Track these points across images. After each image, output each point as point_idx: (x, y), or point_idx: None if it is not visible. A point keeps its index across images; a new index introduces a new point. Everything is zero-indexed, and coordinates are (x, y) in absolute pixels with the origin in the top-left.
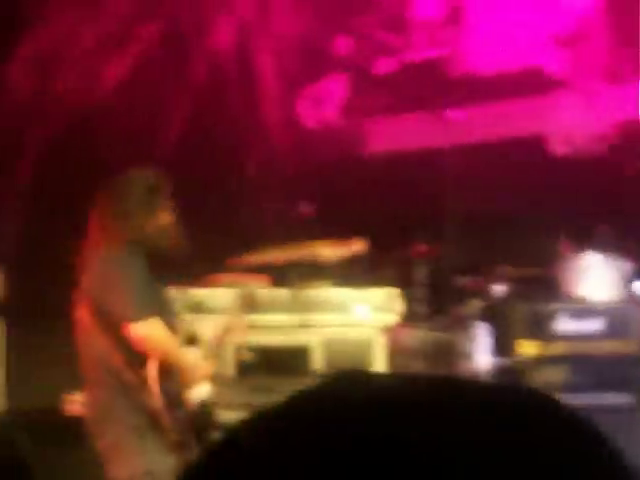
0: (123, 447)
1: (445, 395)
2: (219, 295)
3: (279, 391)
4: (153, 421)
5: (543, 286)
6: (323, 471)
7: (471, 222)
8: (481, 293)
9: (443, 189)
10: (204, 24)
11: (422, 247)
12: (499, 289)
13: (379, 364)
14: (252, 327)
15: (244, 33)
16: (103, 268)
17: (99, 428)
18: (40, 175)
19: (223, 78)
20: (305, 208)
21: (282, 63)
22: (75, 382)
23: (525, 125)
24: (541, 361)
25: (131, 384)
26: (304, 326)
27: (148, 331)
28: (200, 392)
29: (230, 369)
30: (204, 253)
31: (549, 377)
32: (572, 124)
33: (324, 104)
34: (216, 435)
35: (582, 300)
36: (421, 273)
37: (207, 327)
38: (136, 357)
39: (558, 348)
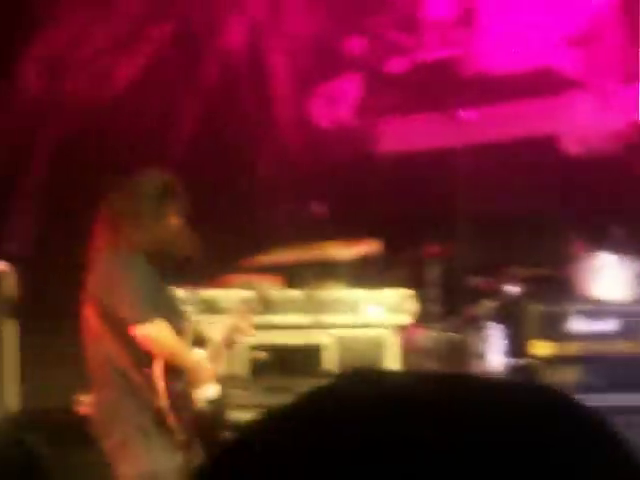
0: (130, 447)
1: (458, 394)
2: (232, 296)
3: (292, 391)
4: (159, 421)
5: (556, 286)
6: (335, 471)
7: (484, 222)
8: (494, 293)
9: (456, 189)
10: (216, 24)
11: (435, 247)
12: (512, 289)
13: (392, 364)
14: (265, 327)
15: (256, 33)
16: (108, 269)
17: (106, 428)
18: (52, 175)
19: (235, 78)
20: (318, 208)
21: (294, 63)
22: (88, 382)
23: (538, 125)
24: (554, 361)
25: (137, 384)
26: (317, 326)
27: (153, 333)
28: (208, 393)
29: (243, 369)
30: (217, 254)
31: (562, 377)
32: (585, 124)
33: (337, 104)
34: (227, 435)
35: (596, 300)
36: (434, 273)
37: (215, 328)
38: (142, 357)
39: (571, 348)
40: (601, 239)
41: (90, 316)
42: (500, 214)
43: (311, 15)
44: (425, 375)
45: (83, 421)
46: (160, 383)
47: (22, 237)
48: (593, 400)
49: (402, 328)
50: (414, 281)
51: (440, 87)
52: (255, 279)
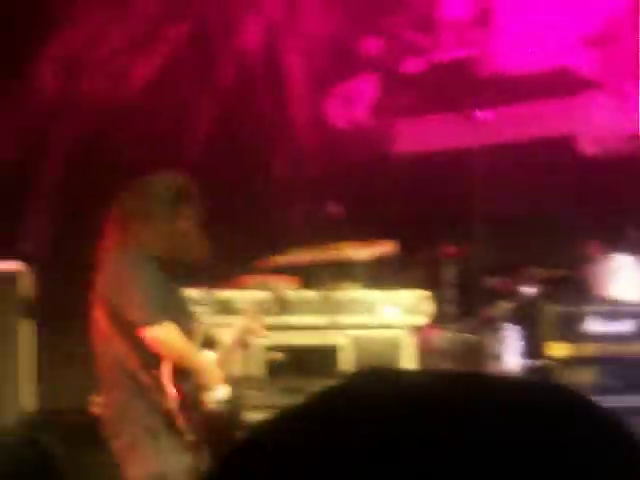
0: (139, 448)
1: (474, 393)
2: (247, 297)
3: (308, 392)
4: (168, 422)
5: (573, 287)
6: (347, 471)
7: (500, 223)
8: (511, 294)
9: (472, 189)
10: (232, 24)
11: (451, 248)
12: (529, 290)
13: (408, 365)
14: (281, 328)
15: (272, 33)
16: (117, 269)
17: (115, 429)
18: (68, 175)
19: (251, 78)
20: (334, 209)
21: (311, 63)
22: (100, 383)
23: (554, 125)
24: (571, 363)
25: (146, 386)
26: (333, 327)
27: (162, 335)
28: (218, 394)
29: (260, 370)
30: (233, 254)
31: (579, 379)
32: (601, 124)
33: (353, 104)
34: (239, 436)
35: (612, 301)
36: (450, 274)
37: (227, 330)
38: (151, 358)
39: (588, 350)
40: (617, 240)
41: (99, 317)
42: (516, 215)
43: (327, 15)
44: (440, 374)
45: (97, 422)
46: (169, 385)
47: (37, 237)
48: (609, 401)
49: (418, 329)
50: (430, 282)
51: (456, 87)
52: (271, 280)
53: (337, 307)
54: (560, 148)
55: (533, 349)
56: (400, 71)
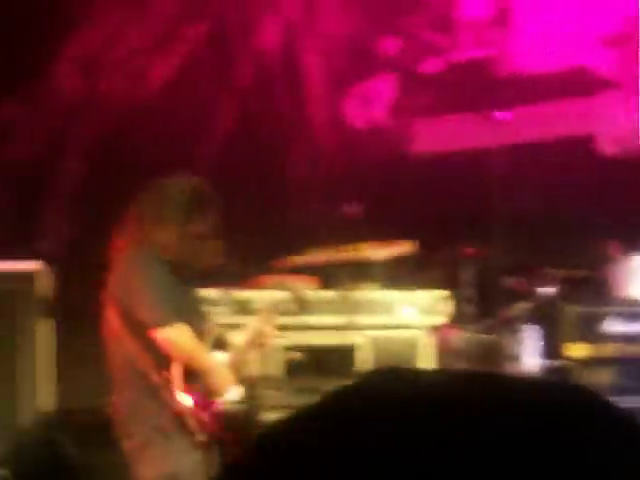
0: (149, 448)
1: (491, 393)
2: (266, 297)
3: (326, 392)
4: (179, 422)
5: (592, 288)
6: (363, 470)
7: (519, 223)
8: (529, 295)
9: (491, 189)
10: (250, 24)
11: (469, 248)
12: (548, 291)
13: (426, 366)
14: (300, 328)
15: (291, 33)
16: (129, 269)
17: (126, 429)
18: (87, 175)
19: (269, 78)
20: (352, 209)
21: (329, 63)
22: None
23: (573, 125)
24: (590, 363)
25: (157, 386)
26: (351, 327)
27: (173, 336)
28: (230, 396)
29: (278, 370)
30: (251, 254)
31: (597, 379)
32: (620, 124)
33: (371, 104)
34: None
35: (631, 302)
36: (468, 274)
37: (240, 332)
38: (162, 359)
39: (607, 350)
40: (637, 240)
41: (111, 317)
42: (535, 214)
43: (346, 15)
44: (457, 374)
45: (112, 422)
46: (179, 385)
47: (55, 237)
48: (628, 402)
49: (436, 329)
50: (449, 282)
51: (475, 87)
52: (289, 280)
53: (355, 307)
54: (579, 148)
55: (552, 350)
56: (418, 71)
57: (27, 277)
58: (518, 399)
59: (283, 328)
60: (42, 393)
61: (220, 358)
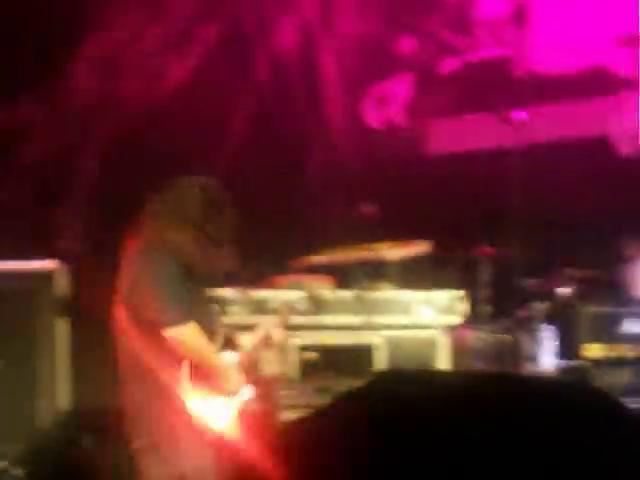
0: (159, 448)
1: (507, 394)
2: (282, 296)
3: (341, 391)
4: (188, 422)
5: (609, 288)
6: (381, 469)
7: (536, 223)
8: (546, 295)
9: (507, 189)
10: (267, 24)
11: (486, 248)
12: (564, 291)
13: (443, 365)
14: (316, 328)
15: (307, 33)
16: (139, 268)
17: (136, 429)
18: (104, 175)
19: (286, 78)
20: (369, 209)
21: (346, 63)
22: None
23: (590, 125)
24: (606, 364)
25: (166, 385)
26: (368, 327)
27: (182, 335)
28: (242, 396)
29: (294, 370)
30: (267, 254)
31: (613, 380)
32: (637, 124)
33: (388, 104)
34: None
35: None
36: (485, 274)
37: (250, 331)
38: (171, 358)
39: (623, 351)
40: None
41: (120, 316)
42: (552, 215)
43: (363, 15)
44: (472, 375)
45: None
46: (186, 384)
47: (73, 236)
48: None
49: (452, 329)
50: (465, 282)
51: (492, 87)
52: (306, 280)
53: (371, 307)
54: (596, 147)
55: (568, 350)
56: (435, 71)
57: (45, 276)
58: (533, 400)
59: (299, 328)
60: (61, 392)
61: (230, 358)
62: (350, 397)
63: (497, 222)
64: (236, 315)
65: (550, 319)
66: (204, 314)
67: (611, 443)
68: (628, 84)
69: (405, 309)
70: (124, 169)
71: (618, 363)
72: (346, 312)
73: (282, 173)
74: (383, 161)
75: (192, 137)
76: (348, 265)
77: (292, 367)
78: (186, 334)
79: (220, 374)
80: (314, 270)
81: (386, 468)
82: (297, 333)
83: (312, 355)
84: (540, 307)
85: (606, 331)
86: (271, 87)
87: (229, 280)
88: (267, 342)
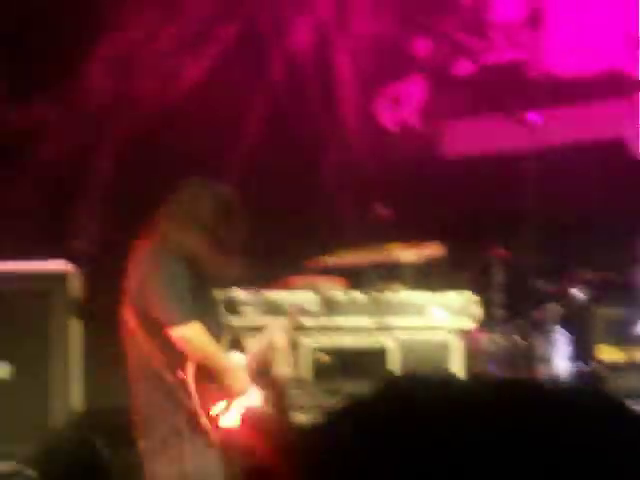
0: (165, 448)
1: (521, 399)
2: (295, 297)
3: (355, 394)
4: (193, 422)
5: (624, 290)
6: (396, 472)
7: (550, 225)
8: (561, 297)
9: (522, 192)
10: (282, 24)
11: (500, 250)
12: (579, 293)
13: (456, 368)
14: (329, 329)
15: (322, 33)
16: (146, 268)
17: (143, 429)
18: (119, 175)
19: (301, 78)
20: (383, 210)
21: (360, 64)
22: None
23: (604, 127)
24: (621, 367)
25: (171, 385)
26: (381, 329)
27: (188, 334)
28: (249, 397)
29: (307, 372)
30: (281, 255)
31: (628, 383)
32: None
33: (402, 106)
34: (287, 437)
35: None
36: (499, 277)
37: (255, 337)
38: (177, 358)
39: (638, 354)
40: None
41: (128, 315)
42: (567, 217)
43: (378, 16)
44: (486, 380)
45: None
46: (192, 385)
47: (87, 238)
48: None
49: (466, 331)
50: (479, 284)
51: (506, 89)
52: (319, 281)
53: (385, 309)
54: (610, 150)
55: (583, 353)
56: (450, 73)
57: (60, 277)
58: (546, 405)
59: (312, 329)
60: (74, 394)
61: (237, 359)
62: (363, 401)
63: (512, 224)
64: (249, 316)
65: (565, 321)
66: (212, 316)
67: (617, 445)
68: None
69: (419, 311)
70: (139, 169)
71: (633, 366)
72: (359, 314)
73: (296, 173)
74: (397, 162)
75: (207, 137)
76: (362, 266)
77: (304, 368)
78: (191, 333)
79: (227, 374)
80: (328, 271)
81: (399, 476)
82: (310, 334)
83: (325, 357)
84: (555, 310)
85: (621, 333)
86: (286, 87)
87: (242, 281)
88: (271, 347)
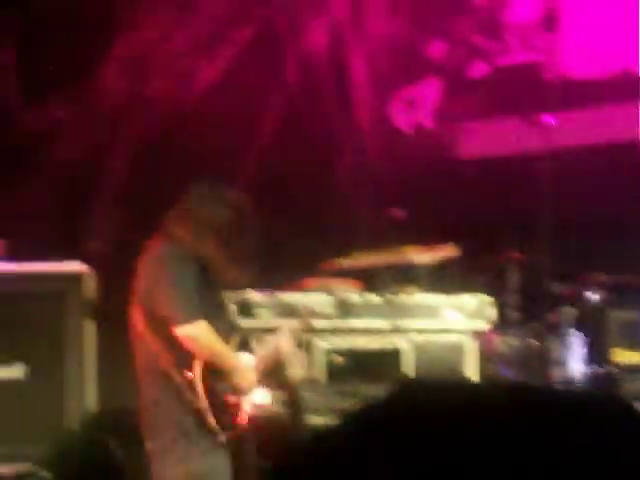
0: (172, 449)
1: (533, 403)
2: (310, 299)
3: (369, 396)
4: (200, 422)
5: (638, 293)
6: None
7: (565, 228)
8: (576, 300)
9: (537, 194)
10: (297, 26)
11: (515, 253)
12: (594, 296)
13: (470, 370)
14: (343, 331)
15: (338, 35)
16: (154, 267)
17: (151, 429)
18: (133, 176)
19: (316, 79)
20: (398, 212)
21: (375, 65)
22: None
23: (619, 129)
24: (636, 369)
25: (178, 385)
26: (395, 331)
27: (194, 333)
28: (256, 398)
29: (321, 373)
30: (296, 257)
31: None
32: None
33: (417, 108)
34: (301, 439)
35: None
36: (514, 279)
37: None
38: (184, 357)
39: None
40: None
41: (136, 315)
42: (582, 219)
43: (393, 18)
44: (499, 384)
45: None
46: (200, 384)
47: (101, 238)
48: None
49: (480, 334)
50: (494, 287)
51: (521, 91)
52: (334, 283)
53: (400, 311)
54: (625, 152)
55: (598, 356)
56: (465, 75)
57: (75, 278)
58: (558, 408)
59: (326, 331)
60: (88, 393)
61: (245, 359)
62: (374, 405)
63: (526, 226)
64: (263, 318)
65: (579, 324)
66: (220, 316)
67: (628, 448)
68: None
69: (433, 313)
70: (154, 170)
71: None
72: (374, 316)
73: (311, 174)
74: (412, 164)
75: (221, 138)
76: (376, 269)
77: (318, 370)
78: (198, 332)
79: (234, 372)
80: (342, 273)
81: (415, 473)
82: (324, 336)
83: (339, 358)
84: (569, 312)
85: (635, 336)
86: (301, 88)
87: (257, 283)
88: (278, 350)
